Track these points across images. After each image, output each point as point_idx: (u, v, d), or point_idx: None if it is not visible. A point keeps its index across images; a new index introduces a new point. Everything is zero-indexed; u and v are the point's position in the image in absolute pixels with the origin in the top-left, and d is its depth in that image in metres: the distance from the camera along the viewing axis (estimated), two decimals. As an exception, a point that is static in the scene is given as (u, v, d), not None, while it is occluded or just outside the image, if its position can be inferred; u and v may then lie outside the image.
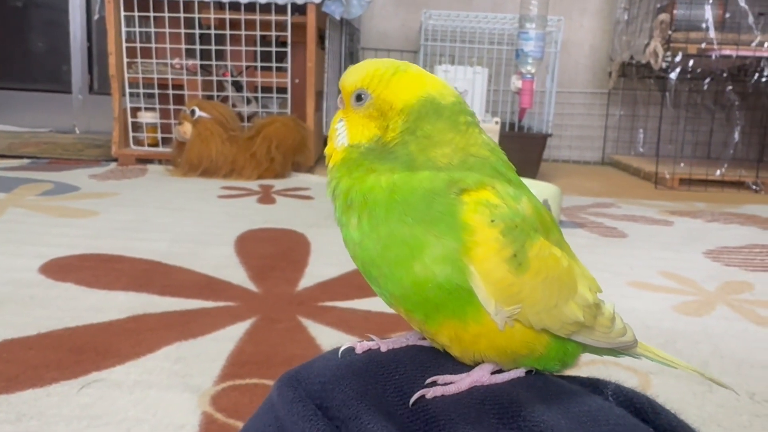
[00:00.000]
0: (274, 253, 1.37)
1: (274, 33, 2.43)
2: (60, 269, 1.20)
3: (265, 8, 2.43)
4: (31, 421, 0.70)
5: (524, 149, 2.49)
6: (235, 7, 2.44)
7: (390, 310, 1.14)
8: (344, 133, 0.36)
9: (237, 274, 1.22)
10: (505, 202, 0.33)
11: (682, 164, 2.63)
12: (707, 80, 2.63)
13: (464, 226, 0.32)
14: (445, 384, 0.32)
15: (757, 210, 2.13)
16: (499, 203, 0.33)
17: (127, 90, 2.49)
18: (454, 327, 0.33)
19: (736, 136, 2.93)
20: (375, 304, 1.08)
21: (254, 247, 1.42)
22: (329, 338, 0.95)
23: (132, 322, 0.98)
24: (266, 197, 1.99)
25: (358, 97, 0.35)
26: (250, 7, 2.42)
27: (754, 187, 2.56)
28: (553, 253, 0.34)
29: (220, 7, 2.50)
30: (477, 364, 0.34)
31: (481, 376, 0.33)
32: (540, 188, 1.58)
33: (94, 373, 0.81)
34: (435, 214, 0.32)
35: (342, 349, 0.36)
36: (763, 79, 2.50)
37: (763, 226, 1.88)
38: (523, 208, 0.34)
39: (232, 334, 0.95)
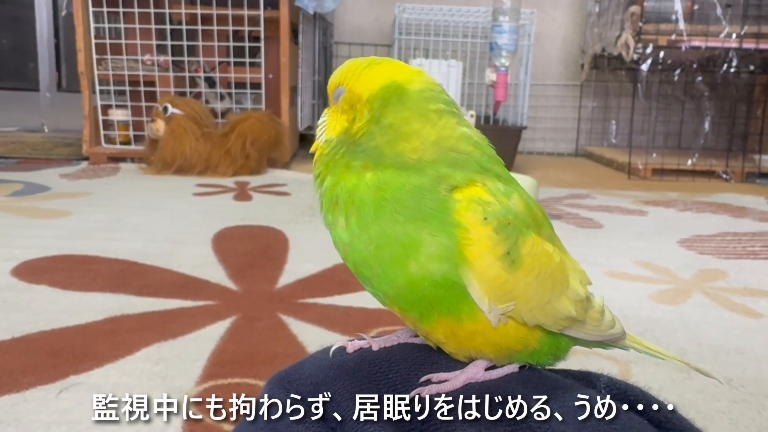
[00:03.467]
0: (253, 251, 1.36)
1: (246, 28, 2.41)
2: (33, 271, 1.18)
3: (237, 3, 2.40)
4: (8, 428, 0.68)
5: (499, 142, 2.46)
6: (206, 2, 2.41)
7: (371, 306, 1.13)
8: (323, 128, 0.36)
9: (215, 273, 1.20)
10: (496, 198, 0.33)
11: (654, 154, 2.67)
12: (677, 71, 2.67)
13: (457, 224, 0.31)
14: (440, 382, 0.32)
15: (727, 198, 2.16)
16: (491, 200, 0.32)
17: (97, 87, 2.45)
18: (449, 324, 0.33)
19: (706, 125, 2.98)
20: (356, 300, 1.08)
21: (232, 245, 1.40)
22: (311, 335, 0.94)
23: (109, 324, 0.96)
24: (242, 194, 1.97)
25: (339, 94, 0.36)
26: (221, 2, 2.39)
27: (724, 176, 2.60)
28: (545, 249, 0.34)
29: (191, 1, 2.46)
30: (471, 360, 0.34)
31: (475, 372, 0.33)
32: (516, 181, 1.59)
33: (72, 377, 0.79)
34: (426, 210, 0.32)
35: (333, 348, 0.35)
36: (732, 70, 2.55)
37: (735, 214, 1.91)
38: (514, 205, 0.34)
39: (213, 334, 0.93)
